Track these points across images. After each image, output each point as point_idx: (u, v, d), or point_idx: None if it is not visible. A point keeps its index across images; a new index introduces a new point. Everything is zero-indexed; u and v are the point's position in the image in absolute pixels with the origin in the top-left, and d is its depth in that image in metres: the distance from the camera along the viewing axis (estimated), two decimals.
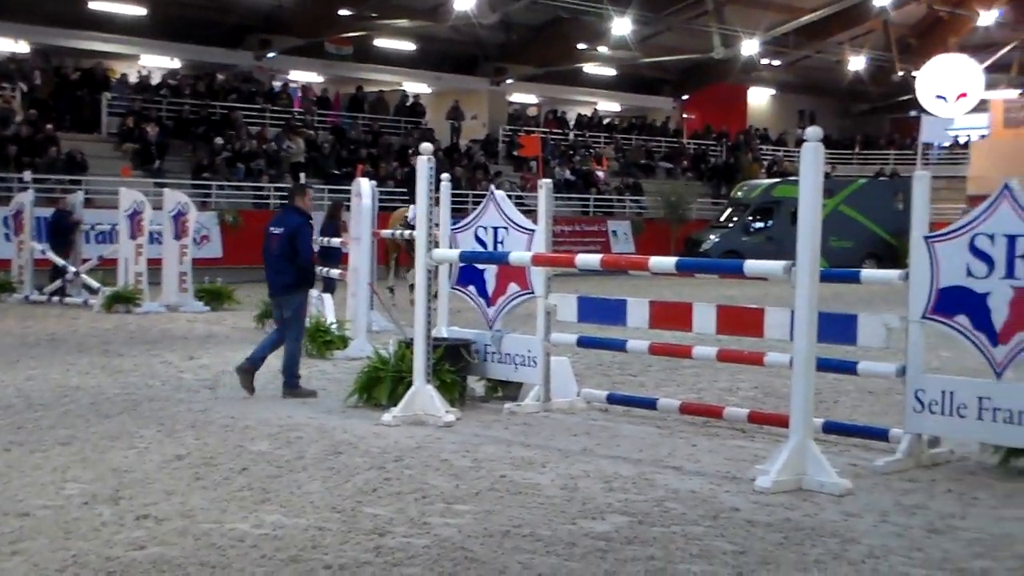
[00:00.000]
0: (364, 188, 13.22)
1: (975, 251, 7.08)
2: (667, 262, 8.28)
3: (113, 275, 18.77)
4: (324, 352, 12.48)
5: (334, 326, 12.87)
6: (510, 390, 9.88)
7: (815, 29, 39.10)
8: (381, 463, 7.32)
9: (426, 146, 9.19)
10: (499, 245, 9.74)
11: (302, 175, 18.09)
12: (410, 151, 22.83)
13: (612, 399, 9.48)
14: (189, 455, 7.51)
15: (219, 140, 28.94)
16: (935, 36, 43.47)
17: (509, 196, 10.52)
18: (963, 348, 7.32)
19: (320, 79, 37.61)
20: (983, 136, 45.34)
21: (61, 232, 19.94)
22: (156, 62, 33.74)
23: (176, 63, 34.11)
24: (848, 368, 8.25)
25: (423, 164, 9.00)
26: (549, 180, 9.87)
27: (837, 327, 7.68)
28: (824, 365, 7.73)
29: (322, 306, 13.37)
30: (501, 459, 7.51)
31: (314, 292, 13.94)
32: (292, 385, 9.99)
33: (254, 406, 9.43)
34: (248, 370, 9.95)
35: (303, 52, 34.81)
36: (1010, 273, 6.94)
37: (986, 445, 7.26)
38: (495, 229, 9.81)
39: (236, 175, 28.70)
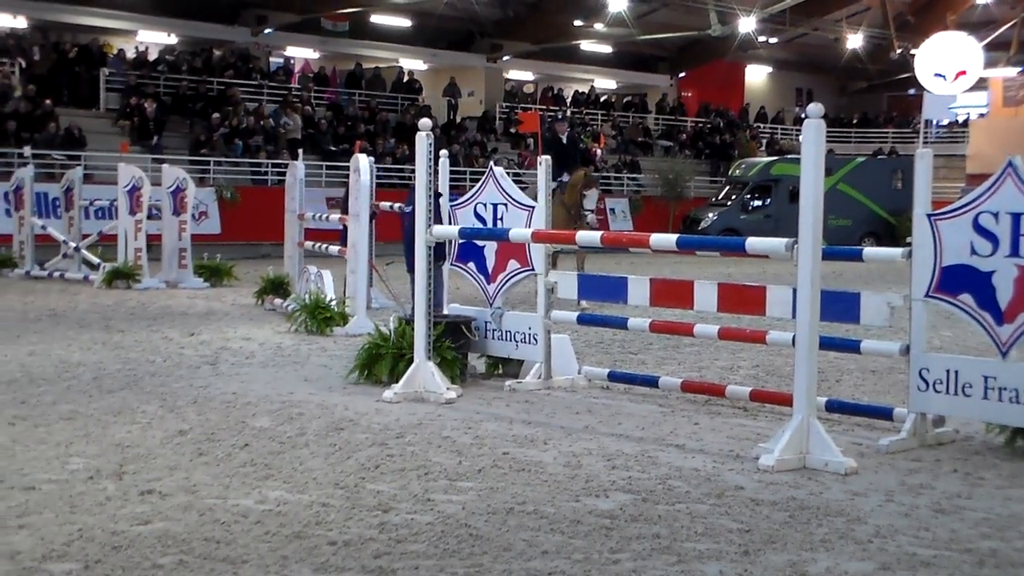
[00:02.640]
0: (362, 165, 13.14)
1: (979, 229, 7.02)
2: (668, 239, 8.22)
3: (113, 251, 18.71)
4: (324, 329, 12.44)
5: (334, 303, 12.82)
6: (511, 367, 9.85)
7: (812, 6, 38.97)
8: (383, 440, 7.30)
9: (425, 122, 9.11)
10: (498, 222, 9.70)
11: (299, 151, 17.97)
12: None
13: (613, 377, 9.45)
14: (191, 431, 7.48)
15: (216, 116, 28.82)
16: (933, 13, 43.33)
17: (507, 173, 10.47)
18: (965, 327, 7.30)
19: (316, 55, 37.47)
20: (982, 115, 45.28)
21: None
22: (153, 38, 33.57)
23: (173, 39, 33.94)
24: (851, 347, 8.21)
25: (422, 141, 8.94)
26: (548, 157, 9.81)
27: (839, 305, 7.63)
28: (826, 344, 7.69)
29: (321, 283, 13.33)
30: (503, 436, 7.48)
31: (312, 268, 13.95)
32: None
33: (255, 383, 9.40)
34: None
35: (299, 28, 34.67)
36: (1015, 251, 6.88)
37: (991, 425, 7.23)
38: (494, 206, 9.77)
39: (234, 151, 28.61)
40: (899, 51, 42.06)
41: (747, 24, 36.84)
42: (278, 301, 14.76)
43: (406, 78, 37.30)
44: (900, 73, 43.42)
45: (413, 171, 9.49)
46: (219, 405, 8.40)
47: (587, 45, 41.07)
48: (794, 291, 7.08)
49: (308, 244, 15.10)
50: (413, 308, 10.46)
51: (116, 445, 7.05)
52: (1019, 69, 43.97)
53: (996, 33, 41.02)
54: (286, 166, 18.43)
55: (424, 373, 8.80)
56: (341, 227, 14.40)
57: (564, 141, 17.07)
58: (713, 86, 45.48)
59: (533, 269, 9.51)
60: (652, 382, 9.09)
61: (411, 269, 10.38)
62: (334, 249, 14.19)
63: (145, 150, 26.82)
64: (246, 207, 25.63)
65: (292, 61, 37.06)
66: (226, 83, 31.21)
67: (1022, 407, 6.82)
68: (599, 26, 38.01)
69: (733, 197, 33.19)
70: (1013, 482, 6.47)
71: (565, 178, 15.92)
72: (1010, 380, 6.87)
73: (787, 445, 6.66)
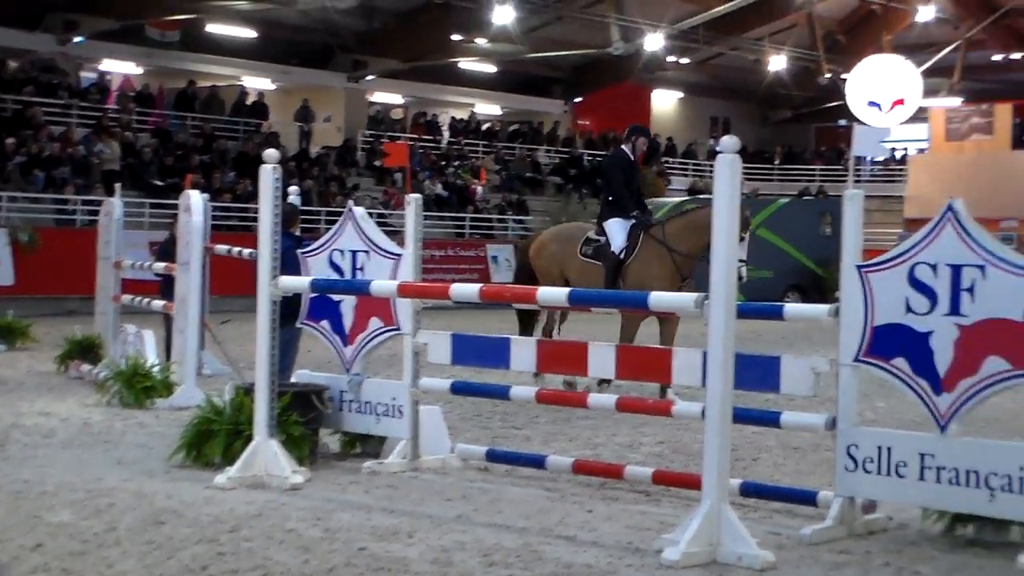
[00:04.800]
0: (195, 202, 13.05)
1: (915, 283, 7.24)
2: (558, 294, 8.35)
3: None
4: (143, 401, 12.26)
5: (156, 369, 12.66)
6: (371, 445, 9.83)
7: (729, 22, 39.92)
8: (213, 535, 7.21)
9: (271, 153, 9.12)
10: (358, 272, 9.71)
11: (117, 186, 17.73)
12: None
13: (492, 456, 9.48)
14: None
15: (11, 141, 28.33)
16: (867, 33, 44.82)
17: (370, 214, 10.52)
18: (902, 396, 7.49)
19: (139, 70, 37.12)
20: (921, 150, 46.88)
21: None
22: None
23: None
24: (770, 420, 8.38)
25: (268, 175, 8.94)
26: (418, 196, 9.89)
27: (757, 371, 7.80)
28: (742, 416, 7.85)
29: (141, 345, 13.16)
30: (360, 528, 7.46)
31: (131, 328, 13.75)
32: None
33: (54, 468, 9.20)
34: None
35: (118, 37, 34.32)
36: (955, 309, 7.11)
37: (928, 510, 7.42)
38: (354, 253, 9.79)
39: (34, 184, 28.10)
40: (828, 75, 43.35)
41: (654, 41, 37.62)
42: (86, 367, 14.51)
43: (250, 99, 37.17)
44: (830, 101, 44.69)
45: (257, 211, 9.46)
46: (5, 496, 8.18)
47: (467, 64, 41.48)
48: (705, 354, 7.22)
49: (126, 298, 14.88)
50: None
51: None
52: (962, 99, 45.70)
53: (937, 57, 42.55)
54: (100, 203, 18.19)
55: (266, 453, 8.73)
56: (161, 277, 14.18)
57: (632, 159, 14.75)
58: (614, 113, 46.14)
59: (399, 329, 9.52)
60: (538, 462, 9.15)
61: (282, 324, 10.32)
62: (158, 304, 14.02)
63: None
64: (48, 253, 25.18)
65: (109, 76, 36.65)
66: (24, 101, 30.68)
67: (963, 489, 7.01)
68: (481, 42, 38.43)
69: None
70: None
71: (616, 222, 14.14)
72: (949, 458, 7.07)
73: (695, 536, 6.75)
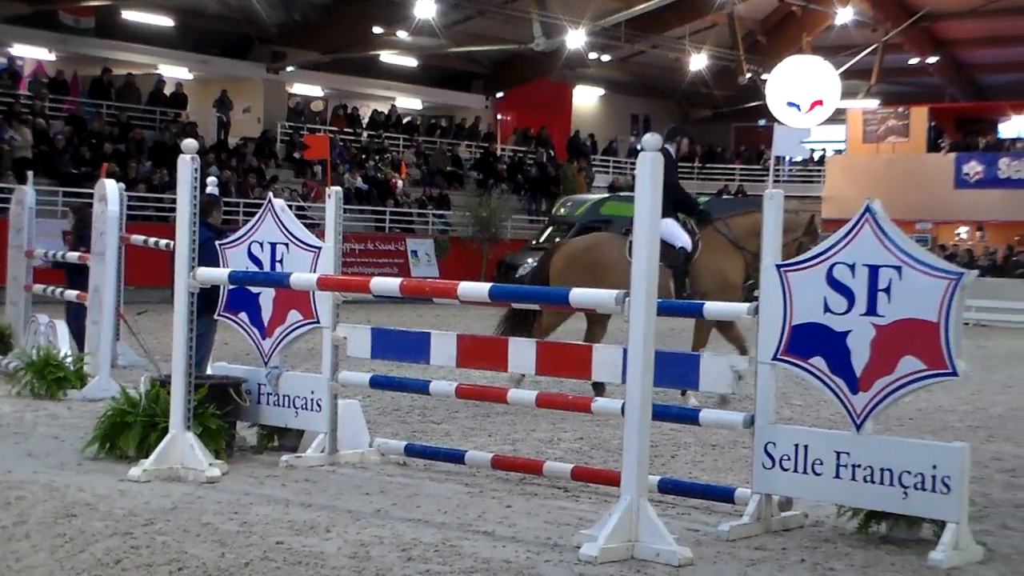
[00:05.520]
0: (110, 192, 12.92)
1: (834, 283, 7.36)
2: (479, 289, 8.34)
3: None
4: (55, 392, 12.12)
5: (68, 359, 12.52)
6: (289, 439, 9.79)
7: (650, 20, 40.15)
8: (127, 528, 7.15)
9: (189, 143, 9.05)
10: (278, 264, 9.68)
11: (29, 173, 17.50)
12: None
13: (411, 451, 9.49)
14: None
15: None
16: (787, 34, 45.24)
17: (290, 206, 10.49)
18: (819, 395, 7.61)
19: (52, 57, 36.59)
20: (839, 151, 47.50)
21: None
22: None
23: None
24: (689, 417, 8.46)
25: (185, 165, 8.88)
26: (339, 188, 9.87)
27: (676, 369, 7.88)
28: (661, 413, 7.92)
29: (53, 335, 13.00)
30: (277, 522, 7.43)
31: (43, 318, 13.59)
32: None
33: None
34: None
35: (31, 22, 33.83)
36: (872, 309, 7.23)
37: (843, 508, 7.54)
38: (273, 245, 9.75)
39: None
40: (749, 75, 43.71)
41: (576, 38, 37.72)
42: None
43: (167, 88, 36.81)
44: (750, 101, 45.12)
45: (174, 202, 9.40)
46: None
47: (388, 57, 41.36)
48: (625, 351, 7.27)
49: (37, 288, 14.69)
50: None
51: None
52: (879, 101, 46.37)
53: (855, 59, 43.09)
54: (11, 191, 17.95)
55: (181, 446, 8.68)
56: (54, 264, 14.06)
57: (675, 159, 13.67)
58: (536, 109, 46.36)
59: (318, 321, 9.51)
60: (457, 457, 9.17)
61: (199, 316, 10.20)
62: (71, 294, 13.86)
63: None
64: None
65: (20, 62, 36.12)
66: None
67: (877, 487, 7.15)
68: (403, 35, 38.34)
69: (557, 240, 33.79)
70: (866, 573, 6.78)
71: (670, 222, 12.95)
72: (864, 456, 7.20)
73: (613, 532, 6.80)
